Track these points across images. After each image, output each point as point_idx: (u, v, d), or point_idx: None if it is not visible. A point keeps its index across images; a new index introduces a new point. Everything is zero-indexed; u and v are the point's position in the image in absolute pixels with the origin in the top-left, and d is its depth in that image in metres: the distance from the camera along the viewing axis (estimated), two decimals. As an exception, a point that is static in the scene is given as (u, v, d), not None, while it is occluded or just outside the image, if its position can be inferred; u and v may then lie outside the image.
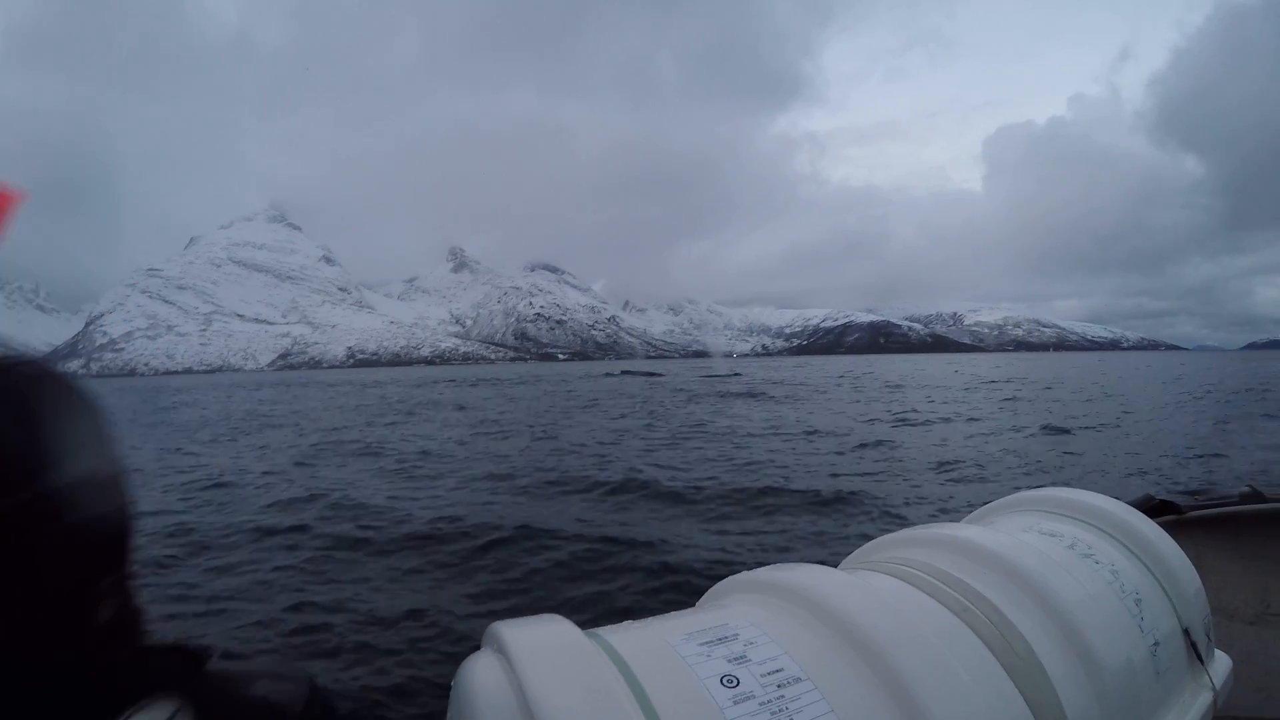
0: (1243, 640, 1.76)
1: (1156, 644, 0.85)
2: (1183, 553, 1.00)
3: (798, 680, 0.56)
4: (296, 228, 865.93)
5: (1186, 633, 0.92)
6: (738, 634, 0.62)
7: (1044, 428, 14.74)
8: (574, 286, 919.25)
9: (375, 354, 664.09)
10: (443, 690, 0.63)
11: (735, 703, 0.53)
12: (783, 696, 0.54)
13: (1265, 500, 1.82)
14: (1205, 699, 0.88)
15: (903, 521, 6.61)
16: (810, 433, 14.54)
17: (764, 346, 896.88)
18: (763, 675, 0.56)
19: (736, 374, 61.63)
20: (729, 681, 0.55)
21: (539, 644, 0.55)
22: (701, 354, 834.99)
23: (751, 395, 29.38)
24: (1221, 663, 0.97)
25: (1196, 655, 0.91)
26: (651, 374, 67.67)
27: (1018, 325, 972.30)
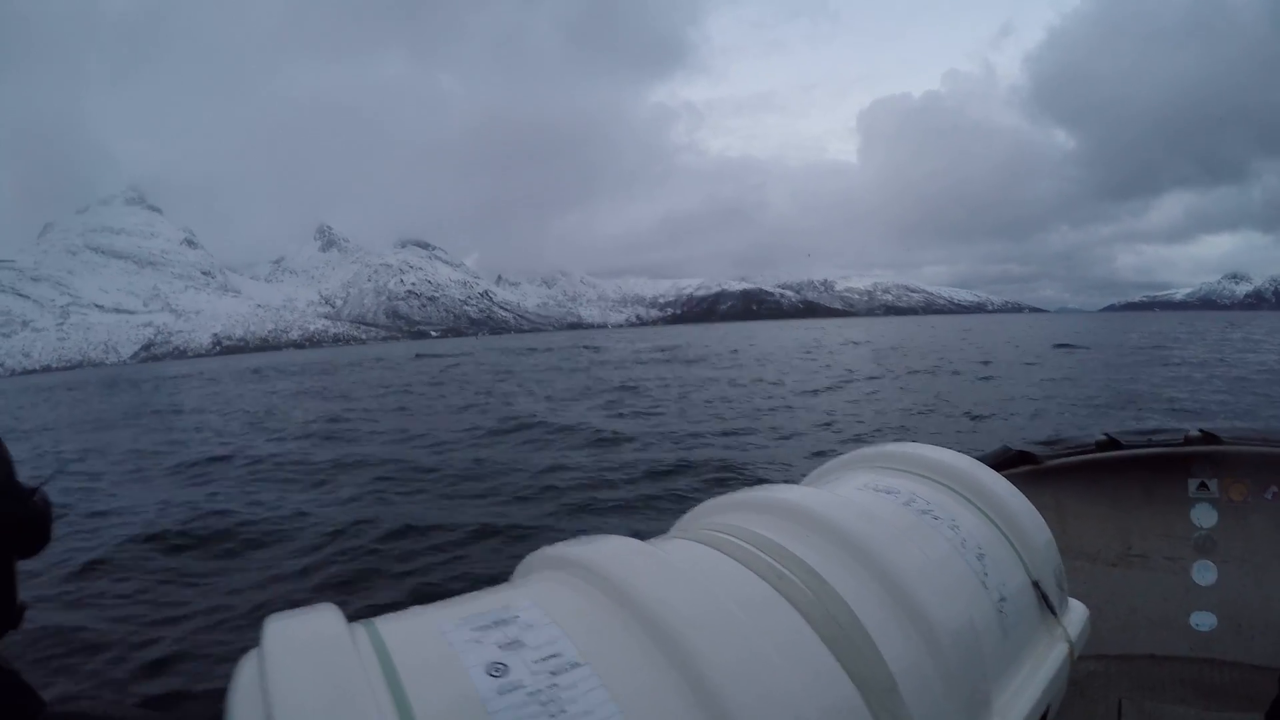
0: (1107, 582, 1.83)
1: (1003, 600, 0.82)
2: (1030, 504, 0.97)
3: (575, 666, 0.53)
4: (156, 210, 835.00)
5: (1037, 585, 0.89)
6: (517, 616, 0.58)
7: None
8: (445, 262, 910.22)
9: (243, 339, 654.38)
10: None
11: (500, 694, 0.50)
12: (556, 685, 0.51)
13: (1121, 447, 1.87)
14: (1060, 650, 0.86)
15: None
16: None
17: (638, 317, 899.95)
18: (536, 661, 0.53)
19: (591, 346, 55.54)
20: (496, 670, 0.52)
21: (295, 639, 0.52)
22: (577, 326, 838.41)
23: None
24: (1076, 611, 0.94)
25: (1049, 607, 0.89)
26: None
27: (887, 291, 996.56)
